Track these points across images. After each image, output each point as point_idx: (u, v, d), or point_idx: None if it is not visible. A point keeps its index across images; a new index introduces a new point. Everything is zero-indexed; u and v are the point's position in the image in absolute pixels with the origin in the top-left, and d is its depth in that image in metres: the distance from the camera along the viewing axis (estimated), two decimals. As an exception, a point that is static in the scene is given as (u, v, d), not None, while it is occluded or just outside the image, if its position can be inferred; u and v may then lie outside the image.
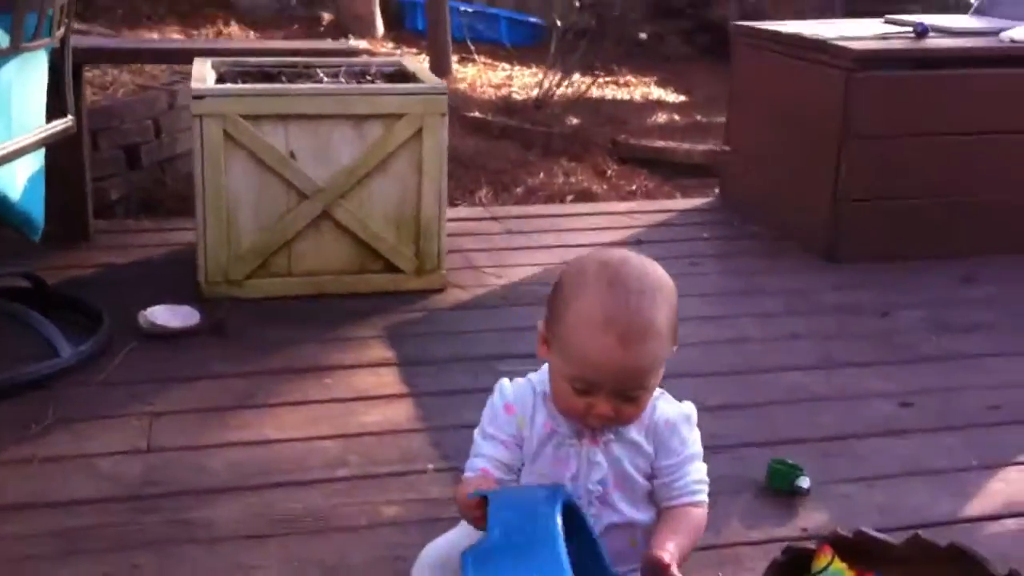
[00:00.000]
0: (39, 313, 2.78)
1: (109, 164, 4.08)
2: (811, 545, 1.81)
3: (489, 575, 1.28)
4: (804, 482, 2.18)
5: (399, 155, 3.13)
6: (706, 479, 1.63)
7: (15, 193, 2.55)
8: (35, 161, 2.71)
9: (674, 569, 1.45)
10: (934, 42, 3.77)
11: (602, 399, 1.50)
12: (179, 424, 2.42)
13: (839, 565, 1.78)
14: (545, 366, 1.62)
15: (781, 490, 2.19)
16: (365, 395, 2.60)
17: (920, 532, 1.82)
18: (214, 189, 3.02)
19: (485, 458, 1.64)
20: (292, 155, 3.06)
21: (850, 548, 1.81)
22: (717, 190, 4.61)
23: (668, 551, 1.47)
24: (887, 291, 3.42)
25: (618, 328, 1.45)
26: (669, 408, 1.62)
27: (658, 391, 1.61)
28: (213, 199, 3.03)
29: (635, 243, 3.87)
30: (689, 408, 1.65)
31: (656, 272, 1.53)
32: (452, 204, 4.79)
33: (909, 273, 3.59)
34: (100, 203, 3.97)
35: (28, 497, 2.10)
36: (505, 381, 1.67)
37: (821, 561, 1.78)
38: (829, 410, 2.59)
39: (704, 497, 1.62)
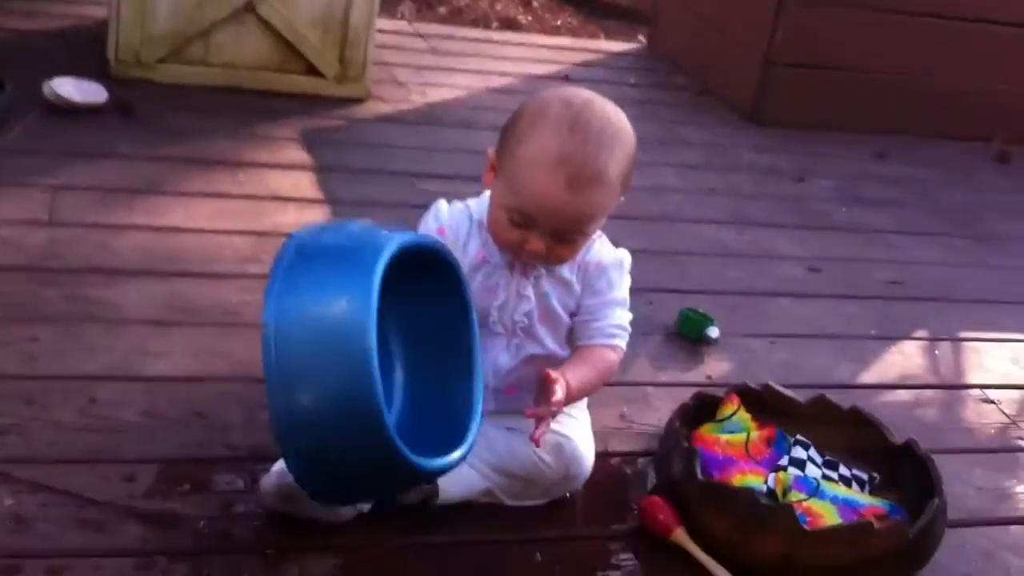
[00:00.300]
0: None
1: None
2: (719, 393, 1.85)
3: (303, 266, 1.28)
4: (714, 332, 2.21)
5: (334, -47, 2.98)
6: (627, 327, 1.62)
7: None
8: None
9: (557, 386, 1.45)
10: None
11: (536, 235, 1.49)
12: (83, 200, 2.32)
13: (744, 415, 1.82)
14: (485, 194, 1.58)
15: (690, 337, 2.22)
16: (279, 195, 2.52)
17: (826, 394, 1.87)
18: (134, -39, 2.84)
19: None
20: (222, -65, 2.88)
21: (756, 400, 1.86)
22: (645, 38, 4.54)
23: (561, 374, 1.48)
24: (804, 158, 3.45)
25: (569, 170, 1.43)
26: (604, 251, 1.62)
27: (598, 233, 1.59)
28: (132, -28, 2.85)
29: (562, 78, 3.80)
30: (623, 254, 1.64)
31: (619, 121, 1.50)
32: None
33: (827, 142, 3.61)
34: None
35: (-81, 257, 2.00)
36: (442, 203, 1.63)
37: (727, 409, 1.82)
38: (740, 266, 2.62)
39: (620, 343, 1.61)
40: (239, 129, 2.84)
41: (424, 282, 1.50)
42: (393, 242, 1.32)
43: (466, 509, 1.59)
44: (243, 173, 2.60)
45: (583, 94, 1.52)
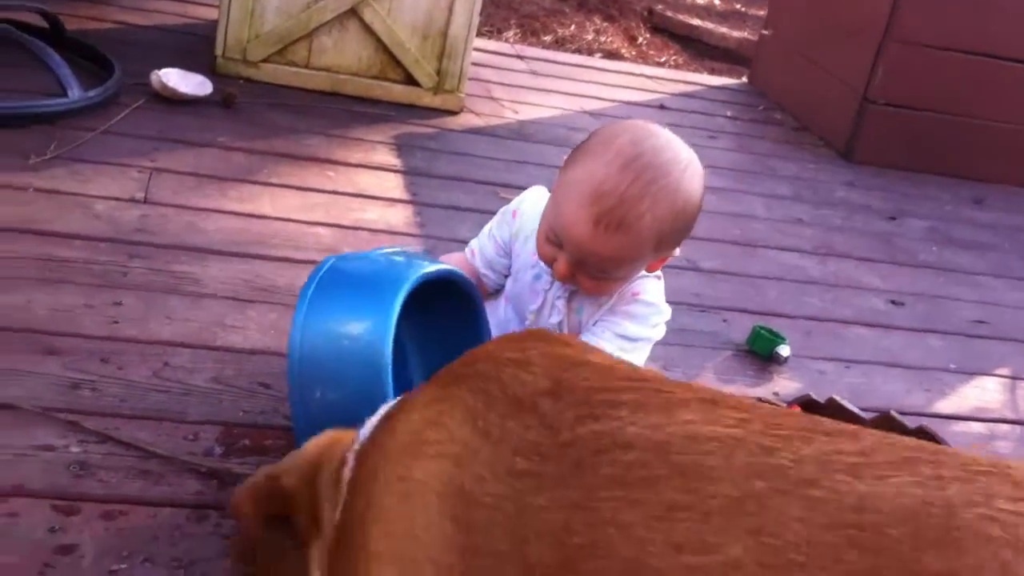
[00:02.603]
0: (56, 53, 2.73)
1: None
2: (782, 404, 1.83)
3: (329, 289, 1.37)
4: (784, 350, 2.19)
5: (439, -36, 3.05)
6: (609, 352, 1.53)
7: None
8: None
9: None
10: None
11: (564, 258, 1.46)
12: (178, 183, 2.40)
13: (807, 427, 1.80)
14: None
15: (761, 354, 2.20)
16: (365, 193, 2.58)
17: (893, 412, 1.85)
18: (247, -37, 2.94)
19: (475, 248, 1.65)
20: (332, -57, 2.98)
21: (819, 414, 1.83)
22: (747, 73, 4.54)
23: None
24: (897, 197, 3.40)
25: (601, 207, 1.38)
26: (649, 289, 1.55)
27: (657, 275, 1.57)
28: (244, -27, 2.95)
29: (658, 107, 3.82)
30: (665, 307, 1.57)
31: (683, 177, 1.41)
32: (478, 37, 4.71)
33: (922, 184, 3.56)
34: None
35: (19, 223, 2.09)
36: (532, 189, 1.66)
37: (790, 420, 1.80)
38: (819, 293, 2.59)
39: None
40: (333, 130, 2.91)
41: (449, 300, 1.55)
42: (416, 274, 1.38)
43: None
44: (333, 170, 2.67)
45: (662, 137, 1.44)
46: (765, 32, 4.35)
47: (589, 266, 1.45)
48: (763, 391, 2.09)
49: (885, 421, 1.83)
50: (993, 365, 2.42)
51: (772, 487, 0.77)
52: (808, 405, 1.82)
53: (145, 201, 2.28)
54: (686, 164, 1.43)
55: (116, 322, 1.82)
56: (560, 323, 1.58)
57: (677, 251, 1.53)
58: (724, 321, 2.33)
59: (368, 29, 3.10)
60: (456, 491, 0.88)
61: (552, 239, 1.46)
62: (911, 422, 1.96)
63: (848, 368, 2.26)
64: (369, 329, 1.32)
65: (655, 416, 0.86)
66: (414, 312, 1.54)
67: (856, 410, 1.85)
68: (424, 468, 0.92)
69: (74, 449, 1.51)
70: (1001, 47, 3.59)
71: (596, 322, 1.56)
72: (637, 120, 1.52)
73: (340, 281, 1.40)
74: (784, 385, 2.13)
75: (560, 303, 1.57)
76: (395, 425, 0.99)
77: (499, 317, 1.66)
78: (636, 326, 1.53)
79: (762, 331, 2.22)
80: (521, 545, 0.83)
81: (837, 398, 1.85)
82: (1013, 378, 2.38)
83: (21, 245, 2.01)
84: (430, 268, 1.44)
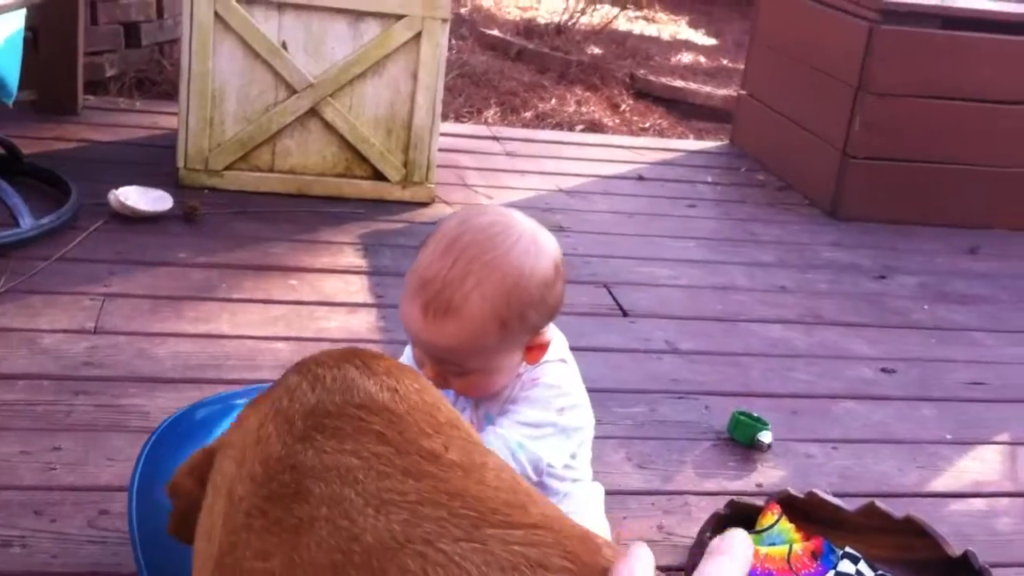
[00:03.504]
0: (5, 181, 2.68)
1: (107, 39, 3.95)
2: (759, 502, 1.74)
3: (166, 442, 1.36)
4: (766, 437, 2.09)
5: (395, 58, 3.00)
6: (512, 439, 1.39)
7: (-14, 52, 2.44)
8: (14, 22, 2.58)
9: None
10: (965, 1, 3.60)
11: (428, 363, 1.40)
12: (132, 308, 2.34)
13: (786, 525, 1.70)
14: None
15: (742, 443, 2.10)
16: (329, 300, 2.51)
17: (876, 501, 1.74)
18: (200, 73, 2.91)
19: None
20: (284, 46, 2.94)
21: (800, 509, 1.74)
22: (729, 135, 4.48)
23: None
24: (887, 254, 3.31)
25: (425, 295, 1.33)
26: (551, 373, 1.45)
27: (561, 359, 1.48)
28: (199, 83, 2.92)
29: (636, 178, 3.76)
30: (570, 388, 1.47)
31: (509, 248, 1.33)
32: (458, 120, 4.68)
33: (912, 238, 3.47)
34: (94, 78, 3.87)
35: (-38, 366, 2.03)
36: None
37: (767, 519, 1.71)
38: (806, 368, 2.50)
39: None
40: (299, 235, 2.85)
41: None
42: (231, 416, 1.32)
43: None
44: (296, 278, 2.60)
45: (492, 215, 1.38)
46: (742, 92, 4.29)
47: (445, 363, 1.38)
48: (744, 484, 1.99)
49: (870, 512, 1.73)
50: (991, 432, 2.31)
51: None
52: (787, 502, 1.72)
53: (95, 331, 2.21)
54: (518, 236, 1.35)
55: (53, 468, 1.75)
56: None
57: (547, 332, 1.42)
58: (705, 408, 2.24)
59: (330, 127, 3.05)
60: (228, 493, 0.87)
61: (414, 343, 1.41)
62: (904, 505, 1.86)
63: (836, 449, 2.15)
64: None
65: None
66: None
67: (838, 503, 1.75)
68: (222, 467, 0.92)
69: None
70: (979, 90, 3.52)
71: (502, 415, 1.45)
72: (477, 206, 1.46)
73: (160, 456, 1.34)
74: (768, 475, 2.03)
75: (467, 415, 1.49)
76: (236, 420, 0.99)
77: None
78: (537, 411, 1.42)
79: (742, 417, 2.12)
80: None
81: (818, 492, 1.75)
82: (1012, 444, 2.27)
83: (-38, 391, 1.94)
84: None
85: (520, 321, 1.35)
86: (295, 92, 2.98)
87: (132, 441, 1.84)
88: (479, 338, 1.34)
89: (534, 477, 1.42)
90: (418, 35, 2.98)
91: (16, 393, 1.95)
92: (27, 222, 2.54)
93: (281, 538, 0.76)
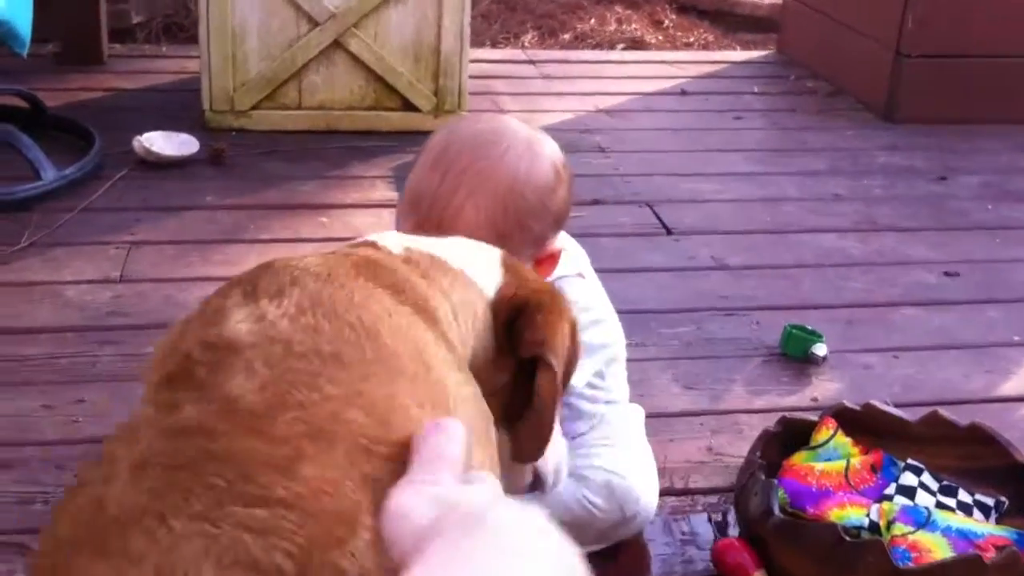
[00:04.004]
0: (28, 135, 2.63)
1: (130, -14, 3.88)
2: (813, 417, 1.63)
3: None
4: (820, 349, 1.98)
5: (418, -18, 2.89)
6: None
7: (-7, 1, 2.37)
8: (22, -31, 2.51)
9: None
10: None
11: None
12: (158, 255, 2.28)
13: (842, 439, 1.60)
14: None
15: (795, 357, 2.00)
16: (361, 236, 2.42)
17: (939, 410, 1.63)
18: (219, 10, 2.82)
19: None
20: (302, -24, 2.84)
21: (858, 422, 1.63)
22: (775, 44, 4.30)
23: None
24: (946, 155, 3.15)
25: (418, 214, 1.26)
26: (569, 290, 1.34)
27: (578, 274, 1.39)
28: (217, 21, 2.83)
29: (679, 93, 3.62)
30: (591, 306, 1.40)
31: (500, 156, 1.25)
32: (494, 46, 4.55)
33: (973, 137, 3.30)
34: (120, 26, 3.80)
35: (-13, 322, 1.98)
36: None
37: (822, 434, 1.60)
38: (863, 276, 2.37)
39: None
40: (329, 172, 2.77)
41: None
42: None
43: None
44: (327, 215, 2.52)
45: (481, 123, 1.32)
46: (788, -3, 4.11)
47: None
48: (799, 399, 1.88)
49: (933, 422, 1.62)
50: (1063, 331, 2.18)
51: None
52: (843, 415, 1.62)
53: (120, 280, 2.16)
54: (509, 142, 1.26)
55: (76, 421, 1.70)
56: None
57: (556, 241, 1.33)
58: (756, 324, 2.13)
59: (356, 59, 2.95)
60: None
61: None
62: (971, 411, 1.75)
63: (897, 358, 2.04)
64: None
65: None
66: None
67: (898, 413, 1.64)
68: None
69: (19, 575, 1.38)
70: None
71: None
72: (475, 113, 1.36)
73: None
74: (824, 388, 1.92)
75: None
76: None
77: None
78: None
79: (794, 331, 2.01)
80: None
81: (875, 403, 1.64)
82: (1087, 343, 2.14)
83: (-13, 347, 1.90)
84: None
85: (521, 232, 1.26)
86: (317, 24, 2.88)
87: (157, 388, 1.78)
88: None
89: None
90: (440, -45, 2.87)
91: (39, 347, 1.90)
92: (49, 174, 2.49)
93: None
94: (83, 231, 2.35)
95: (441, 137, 1.28)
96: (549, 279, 1.35)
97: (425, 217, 1.24)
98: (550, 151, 1.29)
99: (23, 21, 2.52)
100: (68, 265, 2.20)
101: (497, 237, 1.23)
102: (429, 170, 1.25)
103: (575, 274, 1.37)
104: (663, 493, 1.56)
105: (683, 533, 1.54)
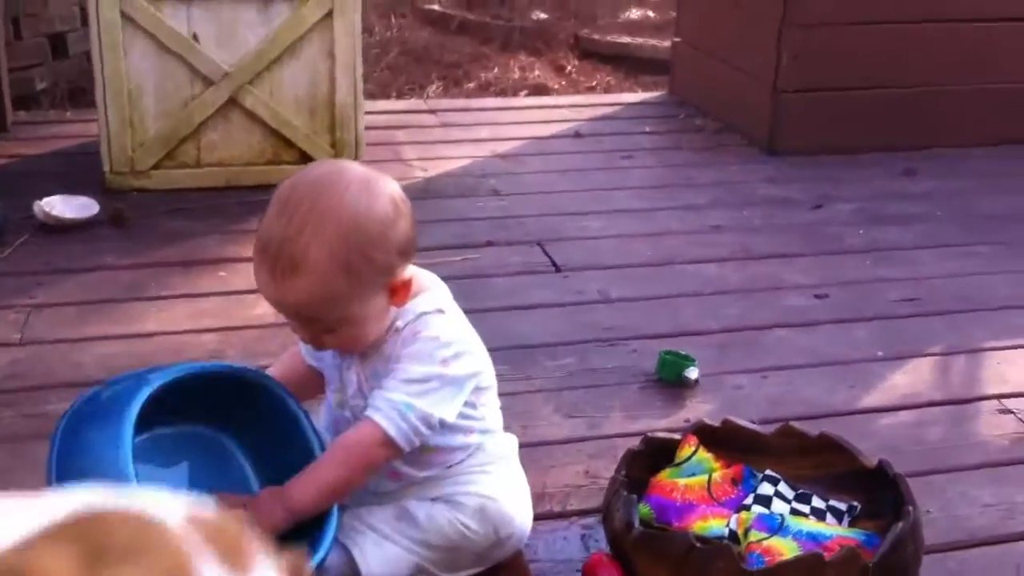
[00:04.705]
0: (-72, 203, 2.68)
1: (33, 53, 3.95)
2: (676, 436, 1.74)
3: (73, 422, 1.35)
4: (693, 372, 2.10)
5: (309, 39, 3.00)
6: (400, 406, 1.39)
7: None
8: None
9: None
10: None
11: (296, 326, 1.42)
12: (58, 317, 2.34)
13: (704, 455, 1.71)
14: None
15: (669, 381, 2.11)
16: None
17: (792, 422, 1.75)
18: (113, 73, 2.90)
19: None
20: (195, 38, 2.93)
21: (719, 438, 1.74)
22: (667, 85, 4.47)
23: (251, 501, 1.40)
24: (823, 184, 3.32)
25: (269, 259, 1.33)
26: (432, 325, 1.43)
27: (439, 310, 1.46)
28: (114, 83, 2.91)
29: (573, 135, 3.76)
30: (453, 338, 1.44)
31: (342, 194, 1.33)
32: (400, 97, 4.67)
33: (849, 166, 3.48)
34: (25, 93, 3.86)
35: None
36: None
37: (685, 451, 1.71)
38: (738, 302, 2.51)
39: (379, 419, 1.39)
40: (230, 226, 2.85)
41: (254, 400, 1.50)
42: (147, 385, 1.34)
43: (401, 588, 1.52)
44: (226, 269, 2.60)
45: (323, 168, 1.41)
46: (676, 40, 4.28)
47: (311, 321, 1.39)
48: (672, 421, 2.00)
49: (786, 433, 1.74)
50: (923, 345, 2.32)
51: None
52: (702, 431, 1.73)
53: (20, 343, 2.22)
54: (348, 182, 1.35)
55: (-25, 480, 1.75)
56: (355, 392, 1.49)
57: (405, 272, 1.42)
58: (633, 351, 2.24)
59: (252, 115, 3.05)
60: None
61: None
62: (834, 424, 1.87)
63: (766, 378, 2.16)
64: (110, 470, 1.26)
65: None
66: (227, 418, 1.51)
67: (753, 426, 1.76)
68: None
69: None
70: (906, 10, 3.52)
71: (387, 376, 1.45)
72: (317, 161, 1.47)
73: (77, 428, 1.35)
74: (696, 410, 2.04)
75: (350, 375, 1.49)
76: None
77: (327, 405, 1.59)
78: (421, 366, 1.42)
79: (667, 356, 2.13)
80: None
81: (732, 419, 1.76)
82: (944, 354, 2.29)
83: None
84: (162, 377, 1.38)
85: (366, 263, 1.35)
86: (212, 83, 2.97)
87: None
88: (329, 288, 1.34)
89: (427, 434, 1.43)
90: (330, 13, 2.98)
91: (-62, 410, 1.95)
92: (-51, 242, 2.54)
93: None
94: (-16, 296, 2.40)
95: (286, 185, 1.37)
96: (409, 317, 1.44)
97: (276, 260, 1.32)
98: (388, 187, 1.39)
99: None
100: (-32, 330, 2.25)
101: (345, 271, 1.33)
102: (276, 217, 1.33)
103: (435, 310, 1.46)
104: (542, 517, 1.66)
105: (560, 553, 1.63)
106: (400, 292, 1.42)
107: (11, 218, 2.76)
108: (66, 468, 1.31)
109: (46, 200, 2.78)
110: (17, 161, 3.30)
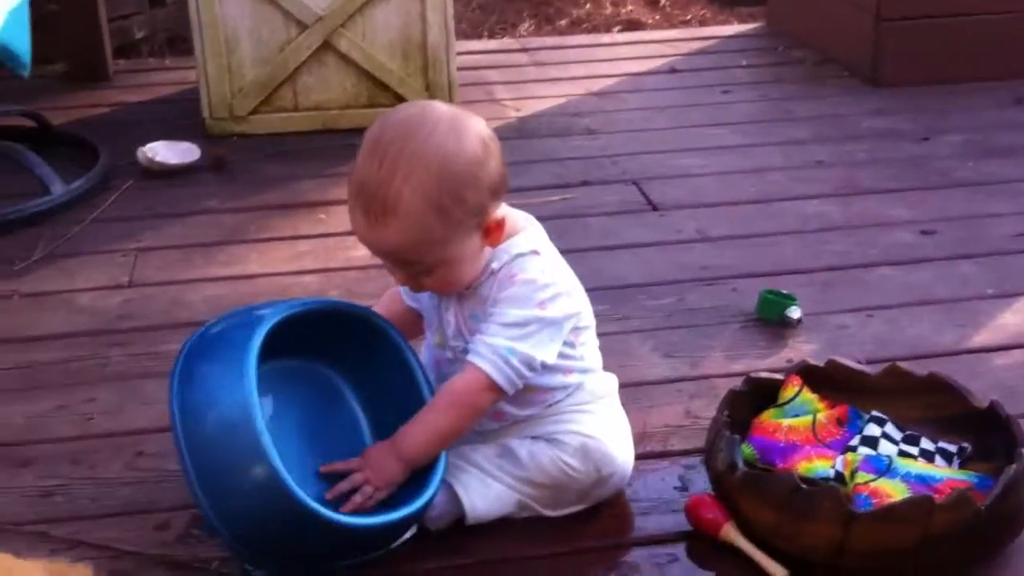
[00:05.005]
0: (36, 152, 2.75)
1: (131, 2, 3.99)
2: (778, 376, 1.72)
3: (192, 357, 1.39)
4: (795, 312, 2.06)
5: (399, -21, 2.99)
6: (502, 351, 1.40)
7: (-8, 26, 2.49)
8: (17, -5, 2.62)
9: (357, 477, 1.42)
10: None
11: (393, 268, 1.43)
12: (164, 259, 2.39)
13: (808, 395, 1.68)
14: None
15: (770, 321, 2.08)
16: (357, 229, 2.52)
17: (899, 362, 1.72)
18: (210, 20, 2.93)
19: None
20: (288, -19, 2.94)
21: (823, 378, 1.71)
22: (765, 16, 4.36)
23: (365, 459, 1.43)
24: (930, 115, 3.21)
25: (363, 202, 1.34)
26: (528, 267, 1.43)
27: (534, 251, 1.45)
28: (210, 31, 2.94)
29: (668, 71, 3.70)
30: (550, 279, 1.44)
31: (428, 135, 1.33)
32: (491, 37, 4.63)
33: (959, 95, 3.36)
34: (124, 42, 3.92)
35: (5, 333, 2.10)
36: None
37: (788, 391, 1.69)
38: (841, 240, 2.45)
39: (482, 363, 1.41)
40: (328, 169, 2.87)
41: (364, 339, 1.52)
42: (267, 320, 1.37)
43: (505, 525, 1.53)
44: (325, 212, 2.63)
45: (412, 108, 1.41)
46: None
47: (408, 264, 1.40)
48: (775, 361, 1.96)
49: (892, 373, 1.70)
50: (1036, 281, 2.25)
51: None
52: (806, 372, 1.70)
53: (129, 285, 2.27)
54: (435, 122, 1.36)
55: (91, 419, 1.81)
56: (455, 333, 1.50)
57: (497, 211, 1.41)
58: (733, 291, 2.21)
59: (346, 58, 3.05)
60: None
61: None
62: (941, 364, 1.83)
63: (871, 317, 2.12)
64: (233, 400, 1.31)
65: None
66: (337, 355, 1.54)
67: (859, 367, 1.72)
68: None
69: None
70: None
71: (486, 320, 1.46)
72: (405, 103, 1.47)
73: (197, 362, 1.38)
74: (799, 350, 2.00)
75: (449, 315, 1.50)
76: None
77: (428, 344, 1.60)
78: (519, 309, 1.42)
79: (769, 296, 2.10)
80: None
81: (837, 359, 1.72)
82: (1059, 290, 2.21)
83: (5, 355, 2.01)
84: (284, 311, 1.41)
85: (459, 205, 1.35)
86: (306, 27, 2.98)
87: (166, 384, 1.88)
88: (423, 231, 1.35)
89: (529, 376, 1.43)
90: (420, -47, 2.96)
91: (53, 352, 2.01)
92: (58, 189, 2.60)
93: None
94: (93, 241, 2.47)
95: (374, 128, 1.37)
96: (504, 259, 1.44)
97: (369, 203, 1.34)
98: (475, 126, 1.39)
99: (21, 43, 2.63)
100: (79, 274, 2.32)
101: (438, 212, 1.34)
102: (367, 160, 1.34)
103: (530, 251, 1.46)
104: (643, 457, 1.66)
105: (661, 492, 1.63)
106: (494, 232, 1.42)
107: (115, 164, 2.82)
108: (188, 401, 1.34)
109: (149, 146, 2.83)
110: (119, 109, 3.36)
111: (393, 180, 1.32)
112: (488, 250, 1.44)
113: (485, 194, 1.38)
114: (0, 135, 2.85)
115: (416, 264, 1.40)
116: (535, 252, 1.45)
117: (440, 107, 1.40)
